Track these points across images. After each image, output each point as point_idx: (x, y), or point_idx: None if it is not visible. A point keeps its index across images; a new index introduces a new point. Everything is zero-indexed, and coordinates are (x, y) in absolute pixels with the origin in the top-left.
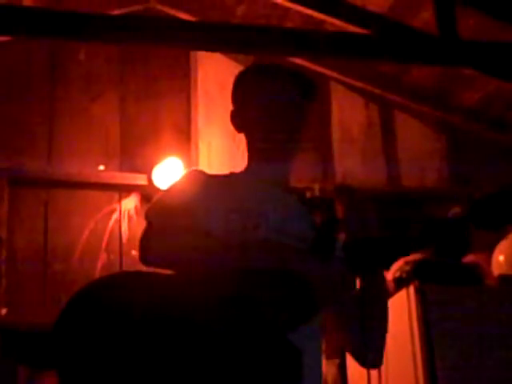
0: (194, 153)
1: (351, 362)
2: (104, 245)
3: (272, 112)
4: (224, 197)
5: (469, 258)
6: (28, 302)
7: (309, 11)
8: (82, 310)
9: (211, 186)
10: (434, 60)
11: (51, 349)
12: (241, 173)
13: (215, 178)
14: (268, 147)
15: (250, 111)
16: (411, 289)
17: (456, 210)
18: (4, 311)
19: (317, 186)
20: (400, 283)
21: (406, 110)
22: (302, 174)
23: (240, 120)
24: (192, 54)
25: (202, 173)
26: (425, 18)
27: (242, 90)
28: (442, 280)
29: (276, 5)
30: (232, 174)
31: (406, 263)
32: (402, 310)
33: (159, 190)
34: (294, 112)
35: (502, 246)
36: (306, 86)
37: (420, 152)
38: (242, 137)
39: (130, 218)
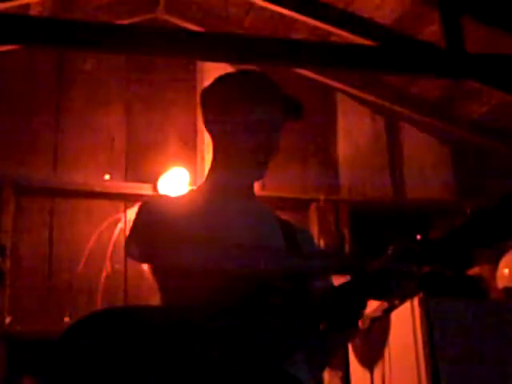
0: (200, 163)
1: (355, 374)
2: (109, 254)
3: (256, 128)
4: (188, 218)
5: (473, 271)
6: (32, 310)
7: (316, 23)
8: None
9: (169, 210)
10: (440, 72)
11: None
12: (202, 186)
13: (172, 200)
14: (239, 160)
15: (232, 120)
16: (415, 301)
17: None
18: (8, 320)
19: (322, 197)
20: (404, 295)
21: (412, 122)
22: (308, 185)
23: (218, 126)
24: (199, 64)
25: (155, 202)
26: (431, 30)
27: (227, 96)
28: (447, 292)
29: (283, 16)
30: (192, 191)
31: None
32: (406, 322)
33: None
34: (277, 131)
35: (507, 258)
36: (294, 108)
37: (425, 164)
38: None
39: None
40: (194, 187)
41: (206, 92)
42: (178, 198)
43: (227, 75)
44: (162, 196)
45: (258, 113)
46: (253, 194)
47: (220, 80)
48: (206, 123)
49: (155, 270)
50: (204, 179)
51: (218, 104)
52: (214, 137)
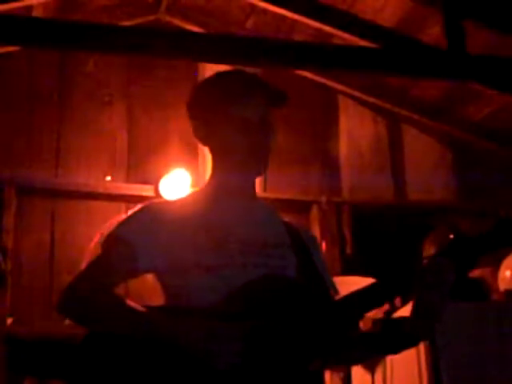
0: (201, 165)
1: (356, 375)
2: None
3: (242, 128)
4: (187, 217)
5: (475, 273)
6: (34, 312)
7: (317, 24)
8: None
9: (169, 211)
10: (442, 74)
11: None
12: (203, 188)
13: (173, 202)
14: (236, 161)
15: (218, 126)
16: None
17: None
18: (9, 321)
19: (324, 199)
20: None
21: (414, 124)
22: (310, 186)
23: (206, 134)
24: (200, 65)
25: (156, 203)
26: (433, 32)
27: (208, 102)
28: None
29: (285, 18)
30: (193, 192)
31: None
32: None
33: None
34: (264, 126)
35: (509, 261)
36: (277, 96)
37: (427, 166)
38: None
39: None
40: (196, 189)
41: (189, 104)
42: (178, 201)
43: (205, 81)
44: (161, 201)
45: (242, 111)
46: (255, 193)
47: (199, 88)
48: (195, 133)
49: (161, 273)
50: (206, 181)
51: (202, 112)
52: (206, 144)
